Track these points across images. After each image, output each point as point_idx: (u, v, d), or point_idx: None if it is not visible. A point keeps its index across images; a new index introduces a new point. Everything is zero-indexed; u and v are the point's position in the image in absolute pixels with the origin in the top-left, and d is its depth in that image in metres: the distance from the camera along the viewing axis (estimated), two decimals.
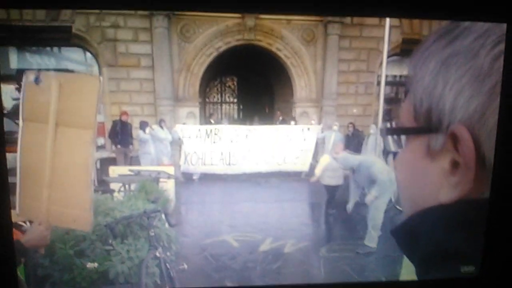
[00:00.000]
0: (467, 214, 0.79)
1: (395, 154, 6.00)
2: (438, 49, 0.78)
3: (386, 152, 5.92)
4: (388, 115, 6.71)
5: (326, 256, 4.18)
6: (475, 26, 0.77)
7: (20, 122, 1.93)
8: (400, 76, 7.39)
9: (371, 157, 5.05)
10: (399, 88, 7.56)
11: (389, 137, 5.58)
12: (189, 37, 7.12)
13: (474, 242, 0.81)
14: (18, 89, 4.72)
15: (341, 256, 4.15)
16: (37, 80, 1.95)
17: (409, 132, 0.84)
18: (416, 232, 0.84)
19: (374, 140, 6.03)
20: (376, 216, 4.33)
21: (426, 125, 0.77)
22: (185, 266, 3.69)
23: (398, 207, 4.78)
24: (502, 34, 0.71)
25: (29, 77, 1.99)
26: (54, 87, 1.91)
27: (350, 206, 4.78)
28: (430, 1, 0.92)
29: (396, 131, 0.90)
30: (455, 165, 0.74)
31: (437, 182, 0.77)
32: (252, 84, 8.66)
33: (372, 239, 4.30)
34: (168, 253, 3.61)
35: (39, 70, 2.06)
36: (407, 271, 2.34)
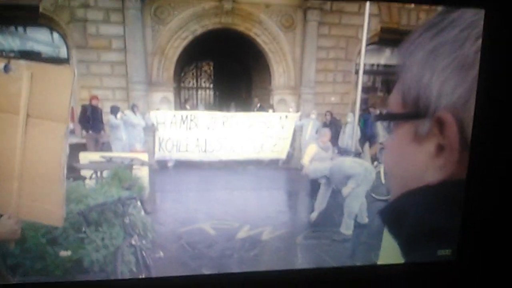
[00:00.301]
0: (450, 195, 0.84)
1: (371, 142, 6.14)
2: (426, 40, 0.83)
3: (362, 141, 6.04)
4: (365, 104, 6.81)
5: (302, 243, 4.26)
6: (461, 18, 0.81)
7: None
8: (378, 65, 7.50)
9: (337, 159, 5.11)
10: (376, 77, 7.67)
11: (378, 123, 5.72)
12: (164, 19, 7.01)
13: (454, 223, 0.87)
14: None
15: (318, 243, 4.24)
16: (6, 68, 1.89)
17: (398, 118, 0.89)
18: (403, 212, 0.89)
19: (351, 128, 6.13)
20: (352, 204, 4.44)
21: (414, 112, 0.82)
22: (161, 254, 3.69)
23: (374, 195, 4.91)
24: None
25: None
26: (25, 76, 1.87)
27: (314, 215, 4.85)
28: None
29: (386, 117, 0.95)
30: (440, 148, 0.79)
31: (423, 165, 0.82)
32: (229, 69, 8.62)
33: (348, 226, 4.41)
34: (143, 241, 3.60)
35: (9, 57, 2.01)
36: (385, 255, 2.41)
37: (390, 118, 0.92)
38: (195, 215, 4.73)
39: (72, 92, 1.84)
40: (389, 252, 2.32)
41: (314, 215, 4.78)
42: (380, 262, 2.32)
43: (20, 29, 6.78)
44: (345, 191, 4.47)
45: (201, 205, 5.04)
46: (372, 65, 7.46)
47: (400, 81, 0.85)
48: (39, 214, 1.90)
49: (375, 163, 5.63)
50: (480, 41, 0.78)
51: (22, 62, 1.97)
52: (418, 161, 0.82)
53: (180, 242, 4.18)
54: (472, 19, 0.79)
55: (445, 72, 0.77)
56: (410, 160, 0.85)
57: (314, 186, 4.98)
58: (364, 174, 4.46)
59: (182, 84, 8.55)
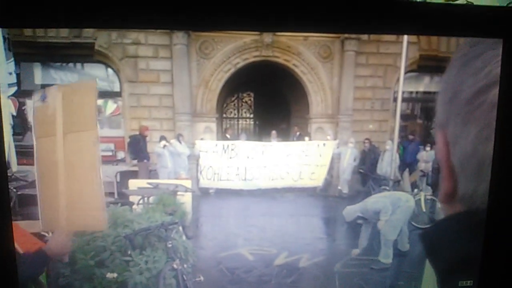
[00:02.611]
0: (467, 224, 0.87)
1: (410, 169, 6.05)
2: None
3: (402, 168, 5.96)
4: (404, 131, 6.74)
5: (340, 271, 4.22)
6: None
7: (34, 140, 2.07)
8: (417, 92, 7.42)
9: (363, 200, 5.08)
10: (415, 104, 7.58)
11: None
12: (208, 53, 7.28)
13: (476, 252, 0.89)
14: None
15: (357, 272, 4.19)
16: (43, 97, 2.09)
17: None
18: (440, 238, 0.93)
19: (390, 155, 6.07)
20: (388, 233, 4.39)
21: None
22: (201, 278, 3.77)
23: (414, 223, 4.82)
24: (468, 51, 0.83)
25: (36, 97, 2.14)
26: (58, 99, 2.05)
27: (356, 252, 4.79)
28: (428, 18, 1.00)
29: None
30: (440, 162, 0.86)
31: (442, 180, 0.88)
32: (269, 99, 8.75)
33: (386, 255, 4.34)
34: (185, 265, 3.70)
35: (43, 88, 2.20)
36: (426, 285, 2.38)
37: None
38: (234, 241, 4.80)
39: (96, 101, 2.00)
40: (430, 282, 2.31)
41: (356, 251, 4.74)
42: None
43: (78, 65, 7.27)
44: (379, 224, 4.48)
45: (240, 231, 5.11)
46: (411, 92, 7.39)
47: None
48: (84, 222, 2.03)
49: (415, 190, 5.53)
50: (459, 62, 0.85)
51: (53, 87, 2.17)
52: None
53: (219, 266, 4.25)
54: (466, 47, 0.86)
55: (440, 95, 0.84)
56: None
57: (353, 227, 4.97)
58: (396, 204, 4.44)
59: (224, 115, 8.76)
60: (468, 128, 0.79)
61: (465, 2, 2.27)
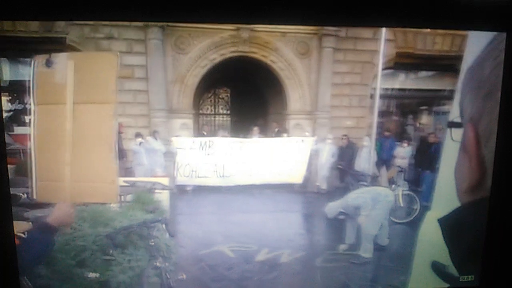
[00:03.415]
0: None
1: (387, 166, 6.22)
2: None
3: (379, 164, 6.13)
4: (381, 128, 6.91)
5: (322, 266, 4.33)
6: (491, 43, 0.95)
7: (32, 106, 2.04)
8: (392, 89, 7.60)
9: (344, 196, 5.21)
10: (391, 101, 7.76)
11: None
12: (184, 48, 7.25)
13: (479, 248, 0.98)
14: (11, 101, 4.84)
15: (337, 266, 4.30)
16: (48, 63, 2.07)
17: (458, 126, 1.03)
18: (460, 225, 1.01)
19: (367, 152, 6.23)
20: (369, 228, 4.53)
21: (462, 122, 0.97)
22: (184, 276, 3.80)
23: (392, 218, 4.98)
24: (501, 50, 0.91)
25: (40, 62, 2.11)
26: (69, 66, 2.04)
27: (344, 247, 4.92)
28: (433, 12, 1.07)
29: (454, 125, 1.10)
30: (469, 157, 0.93)
31: (464, 171, 0.96)
32: (246, 96, 8.79)
33: (366, 249, 4.48)
34: (167, 263, 3.73)
35: (50, 53, 2.18)
36: (416, 280, 2.51)
37: (456, 125, 1.06)
38: (214, 238, 4.84)
39: (117, 74, 2.00)
40: (418, 277, 2.43)
41: (343, 247, 4.86)
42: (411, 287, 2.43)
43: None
44: (360, 219, 4.62)
45: (220, 228, 5.15)
46: (387, 89, 7.56)
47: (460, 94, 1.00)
48: (93, 194, 2.04)
49: (393, 186, 5.70)
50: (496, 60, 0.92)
51: (63, 54, 2.15)
52: (463, 166, 0.97)
53: (201, 264, 4.29)
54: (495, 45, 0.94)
55: (470, 89, 0.92)
56: (461, 165, 0.99)
57: (333, 222, 5.08)
58: (376, 199, 4.60)
59: (200, 111, 8.76)
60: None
61: None
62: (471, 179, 0.95)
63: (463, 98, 0.99)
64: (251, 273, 4.17)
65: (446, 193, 2.32)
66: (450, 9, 1.14)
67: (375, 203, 4.61)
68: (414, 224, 5.26)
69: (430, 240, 2.38)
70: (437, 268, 2.21)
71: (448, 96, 7.53)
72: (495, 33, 0.90)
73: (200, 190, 6.10)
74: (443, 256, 2.22)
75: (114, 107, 2.00)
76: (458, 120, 1.06)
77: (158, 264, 3.61)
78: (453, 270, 2.13)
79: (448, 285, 2.17)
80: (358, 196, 4.78)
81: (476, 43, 2.20)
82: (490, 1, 1.13)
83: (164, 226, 3.92)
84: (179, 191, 6.06)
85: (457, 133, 1.04)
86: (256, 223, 5.22)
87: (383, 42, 6.93)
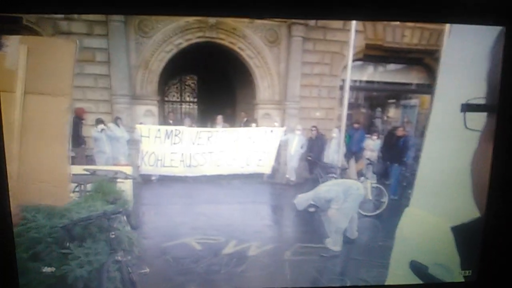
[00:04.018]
0: None
1: (356, 158, 6.22)
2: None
3: (348, 156, 6.12)
4: (349, 120, 6.91)
5: (291, 259, 4.26)
6: None
7: None
8: (360, 81, 7.62)
9: (317, 187, 5.16)
10: (359, 93, 7.79)
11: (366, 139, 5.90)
12: (148, 32, 7.00)
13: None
14: None
15: (306, 259, 4.25)
16: None
17: (488, 109, 0.91)
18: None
19: (336, 143, 6.21)
20: (339, 221, 4.49)
21: (494, 104, 0.85)
22: (147, 270, 3.64)
23: (361, 211, 4.97)
24: None
25: None
26: (22, 51, 1.82)
27: (331, 240, 4.82)
28: (434, 5, 0.99)
29: (476, 108, 0.98)
30: None
31: None
32: (213, 83, 8.64)
33: (336, 242, 4.44)
34: (129, 257, 3.55)
35: (1, 34, 1.95)
36: (394, 275, 2.45)
37: (481, 109, 0.95)
38: (179, 230, 4.70)
39: (75, 64, 1.81)
40: (399, 274, 2.36)
41: (329, 240, 4.76)
42: (389, 282, 2.37)
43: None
44: (330, 213, 4.58)
45: (186, 219, 5.02)
46: (356, 81, 7.58)
47: (489, 72, 0.88)
48: (42, 195, 1.85)
49: (362, 178, 5.70)
50: None
51: (17, 37, 1.92)
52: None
53: (165, 257, 4.15)
54: None
55: None
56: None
57: (302, 214, 5.01)
58: (348, 192, 4.57)
59: (166, 98, 8.53)
60: None
61: None
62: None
63: (498, 73, 0.87)
64: (219, 266, 4.05)
65: (428, 190, 2.27)
66: (449, 4, 1.05)
67: (346, 196, 4.57)
68: (382, 217, 5.29)
69: (409, 238, 2.33)
70: (416, 268, 2.16)
71: (415, 90, 7.64)
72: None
73: (166, 179, 5.91)
74: (422, 255, 2.16)
75: (69, 100, 1.79)
76: (481, 101, 0.94)
77: (119, 258, 3.42)
78: (433, 271, 2.08)
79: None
80: (330, 188, 4.73)
81: (459, 37, 2.15)
82: None
83: (125, 218, 3.72)
84: (143, 180, 5.86)
85: (476, 120, 0.93)
86: (224, 215, 5.11)
87: (353, 32, 6.91)
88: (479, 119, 0.94)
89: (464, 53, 1.86)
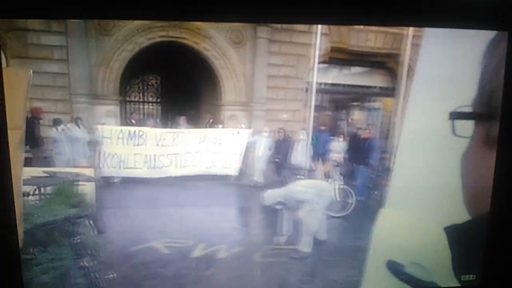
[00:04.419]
0: None
1: (323, 159, 6.33)
2: (504, 41, 0.88)
3: (315, 158, 6.22)
4: (315, 122, 7.03)
5: (261, 261, 4.28)
6: None
7: None
8: (325, 84, 7.76)
9: (288, 185, 5.23)
10: (324, 96, 7.93)
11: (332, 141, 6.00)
12: (109, 30, 6.87)
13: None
14: None
15: (276, 261, 4.28)
16: None
17: (476, 116, 0.93)
18: (473, 236, 0.93)
19: (303, 145, 6.30)
20: (310, 223, 4.55)
21: (488, 111, 0.88)
22: (114, 275, 3.56)
23: (329, 212, 5.06)
24: None
25: None
26: None
27: (283, 240, 4.87)
28: (436, 10, 1.03)
29: (464, 115, 0.99)
30: None
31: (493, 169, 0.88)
32: (177, 84, 8.56)
33: (306, 244, 4.50)
34: (95, 262, 3.46)
35: None
36: (371, 275, 2.50)
37: (467, 116, 0.97)
38: (145, 234, 4.63)
39: (27, 96, 1.74)
40: (375, 273, 2.41)
41: (283, 239, 4.80)
42: (365, 282, 2.42)
43: None
44: (300, 214, 4.62)
45: (151, 222, 4.94)
46: (320, 83, 7.70)
47: (481, 79, 0.90)
48: None
49: (329, 180, 5.81)
50: None
51: None
52: (489, 165, 0.88)
53: (132, 261, 4.07)
54: None
55: None
56: (483, 164, 0.90)
57: (271, 216, 5.02)
58: (320, 194, 4.64)
59: (127, 98, 8.37)
60: None
61: None
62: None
63: (490, 81, 0.89)
64: (188, 270, 4.01)
65: (403, 191, 2.35)
66: (450, 8, 1.08)
67: (318, 198, 4.64)
68: (349, 218, 5.41)
69: (386, 238, 2.39)
70: (393, 267, 2.22)
71: (379, 93, 7.86)
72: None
73: (129, 182, 5.80)
74: (400, 255, 2.23)
75: (21, 134, 1.72)
76: (468, 109, 0.97)
77: (84, 263, 3.34)
78: (410, 270, 2.14)
79: (404, 284, 2.19)
80: (303, 190, 4.75)
81: (437, 43, 2.23)
82: (490, 1, 1.09)
83: (91, 222, 3.63)
84: (106, 183, 5.72)
85: (465, 127, 0.96)
86: (191, 218, 5.07)
87: (319, 35, 7.05)
88: (468, 126, 0.98)
89: (445, 58, 1.93)
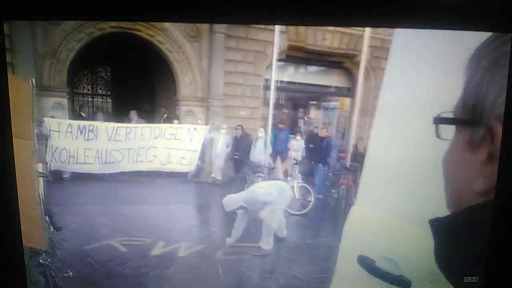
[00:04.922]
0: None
1: (282, 157, 6.44)
2: (492, 49, 0.96)
3: (274, 156, 6.31)
4: (273, 120, 7.12)
5: (223, 259, 4.32)
6: None
7: None
8: (281, 82, 7.87)
9: (250, 188, 5.32)
10: (281, 93, 8.03)
11: (291, 139, 6.08)
12: None
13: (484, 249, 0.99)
14: None
15: (238, 259, 4.33)
16: None
17: (458, 122, 1.01)
18: (461, 229, 1.00)
19: (262, 143, 6.37)
20: (271, 222, 4.65)
21: (471, 118, 0.96)
22: (70, 273, 3.49)
23: (288, 210, 5.17)
24: None
25: None
26: None
27: (230, 241, 4.93)
28: (441, 12, 1.09)
29: (448, 121, 1.06)
30: (490, 156, 0.93)
31: (475, 171, 0.96)
32: (129, 77, 8.36)
33: (267, 242, 4.58)
34: (52, 259, 3.37)
35: None
36: (342, 270, 2.59)
37: (452, 122, 1.04)
38: (100, 231, 4.55)
39: (33, 105, 1.70)
40: (346, 268, 2.51)
41: (229, 240, 4.84)
42: (336, 277, 2.51)
43: None
44: (263, 214, 4.70)
45: (106, 220, 4.85)
46: (277, 81, 7.79)
47: (465, 87, 0.98)
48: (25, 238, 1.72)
49: (289, 178, 5.92)
50: None
51: None
52: (471, 167, 0.95)
53: (88, 260, 3.98)
54: None
55: (501, 83, 0.90)
56: (464, 166, 0.97)
57: (230, 214, 5.05)
58: (281, 193, 4.75)
59: (76, 90, 8.10)
60: None
61: None
62: (490, 180, 0.94)
63: (475, 90, 0.97)
64: (147, 268, 3.98)
65: (373, 188, 2.47)
66: (453, 9, 1.16)
67: (281, 198, 4.74)
68: (309, 216, 5.55)
69: (357, 234, 2.50)
70: (364, 263, 2.32)
71: (335, 93, 8.08)
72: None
73: (80, 177, 5.63)
74: (370, 250, 2.35)
75: (33, 145, 1.71)
76: (450, 115, 1.05)
77: (41, 261, 3.23)
78: (380, 264, 2.26)
79: (375, 278, 2.30)
80: (266, 192, 4.83)
81: (402, 42, 2.36)
82: (494, 2, 1.18)
83: (47, 218, 3.53)
84: (55, 178, 5.53)
85: (448, 132, 1.05)
86: (148, 215, 5.01)
87: (277, 33, 7.14)
88: (450, 130, 1.07)
89: (421, 60, 2.04)
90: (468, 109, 0.94)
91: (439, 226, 1.07)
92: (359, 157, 6.13)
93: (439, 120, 1.07)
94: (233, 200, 4.87)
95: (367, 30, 6.94)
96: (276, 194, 4.77)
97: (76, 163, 5.79)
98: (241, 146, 6.36)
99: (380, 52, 7.31)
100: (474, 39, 1.03)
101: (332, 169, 6.26)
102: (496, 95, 0.88)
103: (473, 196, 0.96)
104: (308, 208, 5.67)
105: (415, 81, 2.07)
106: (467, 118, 0.94)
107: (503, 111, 0.83)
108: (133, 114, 6.86)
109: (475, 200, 0.96)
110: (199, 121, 6.82)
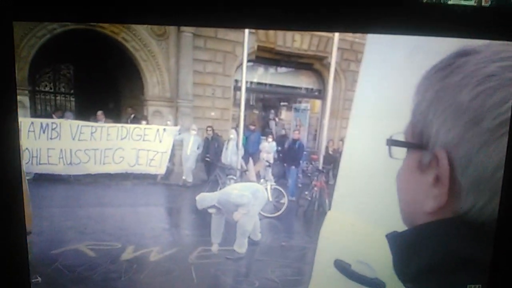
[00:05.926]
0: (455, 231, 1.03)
1: (254, 159, 6.48)
2: (436, 80, 1.05)
3: (246, 158, 6.34)
4: (244, 121, 7.15)
5: (196, 262, 4.32)
6: (466, 65, 1.02)
7: None
8: (251, 83, 7.93)
9: (224, 189, 5.35)
10: (251, 94, 8.09)
11: (263, 141, 6.13)
12: None
13: (484, 256, 1.06)
14: None
15: (212, 262, 4.34)
16: None
17: (408, 146, 1.10)
18: (417, 244, 1.07)
19: (234, 145, 6.39)
20: (245, 225, 4.68)
21: (419, 143, 1.04)
22: (39, 279, 3.41)
23: (262, 213, 5.22)
24: (484, 76, 0.98)
25: None
26: None
27: (216, 248, 4.91)
28: (447, 20, 1.14)
29: (399, 144, 1.14)
30: (437, 179, 1.01)
31: (424, 193, 1.04)
32: (93, 75, 8.21)
33: (241, 245, 4.62)
34: None
35: None
36: (318, 274, 2.65)
37: (402, 145, 1.12)
38: (67, 235, 4.46)
39: None
40: (323, 272, 2.58)
41: (215, 248, 4.84)
42: (313, 280, 2.57)
43: None
44: (236, 216, 4.72)
45: (72, 223, 4.75)
46: (247, 82, 7.84)
47: (414, 113, 1.06)
48: None
49: (262, 180, 5.97)
50: (477, 89, 0.98)
51: None
52: (420, 189, 1.03)
53: (55, 264, 3.91)
54: (473, 68, 1.00)
55: (444, 114, 0.98)
56: (414, 187, 1.05)
57: (203, 216, 5.04)
58: (255, 195, 4.79)
59: (37, 88, 7.91)
60: (488, 153, 0.94)
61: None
62: (438, 202, 1.02)
63: (422, 117, 1.05)
64: (118, 273, 3.93)
65: (347, 194, 2.55)
66: (458, 17, 1.23)
67: (255, 200, 4.78)
68: (282, 218, 5.61)
69: (333, 239, 2.58)
70: (341, 266, 2.41)
71: (305, 94, 8.19)
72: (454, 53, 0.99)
73: (43, 179, 5.49)
74: (347, 254, 2.43)
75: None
76: (401, 138, 1.14)
77: None
78: (356, 268, 2.35)
79: (352, 281, 2.38)
80: (242, 194, 4.86)
81: (376, 49, 2.44)
82: (502, 8, 1.26)
83: None
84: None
85: (399, 151, 1.13)
86: (116, 218, 4.94)
87: (247, 33, 7.18)
88: (402, 149, 1.14)
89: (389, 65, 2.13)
90: (417, 135, 1.03)
91: (396, 240, 1.16)
92: (330, 159, 6.27)
93: (391, 142, 1.15)
94: (206, 198, 4.88)
95: (337, 33, 7.08)
96: (250, 197, 4.81)
97: (39, 164, 5.65)
98: (212, 147, 6.36)
99: (350, 54, 7.49)
100: (427, 62, 1.10)
101: (304, 171, 6.36)
102: (440, 124, 0.97)
103: (424, 215, 1.05)
104: (282, 210, 5.73)
105: (388, 87, 2.16)
106: (415, 142, 1.03)
107: (448, 140, 0.91)
108: (100, 114, 6.74)
109: (427, 218, 1.05)
110: (168, 122, 6.78)
